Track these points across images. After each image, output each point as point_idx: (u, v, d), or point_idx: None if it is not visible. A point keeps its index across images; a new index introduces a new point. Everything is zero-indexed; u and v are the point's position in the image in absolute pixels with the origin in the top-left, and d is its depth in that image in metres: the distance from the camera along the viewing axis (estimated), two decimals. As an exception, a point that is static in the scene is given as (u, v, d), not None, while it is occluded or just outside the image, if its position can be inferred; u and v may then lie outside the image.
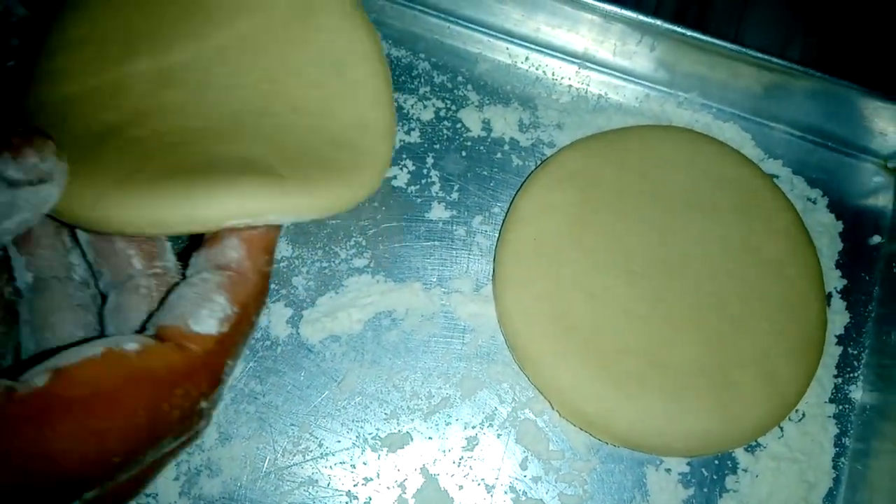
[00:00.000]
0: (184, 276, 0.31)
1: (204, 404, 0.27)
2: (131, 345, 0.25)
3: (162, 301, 0.29)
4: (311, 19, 0.40)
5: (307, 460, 0.42)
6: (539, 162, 0.50)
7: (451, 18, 0.53)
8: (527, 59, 0.53)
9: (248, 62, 0.38)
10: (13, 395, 0.23)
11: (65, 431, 0.23)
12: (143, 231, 0.30)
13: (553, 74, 0.53)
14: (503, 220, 0.47)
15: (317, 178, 0.34)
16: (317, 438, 0.42)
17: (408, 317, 0.46)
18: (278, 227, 0.32)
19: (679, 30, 0.49)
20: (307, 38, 0.39)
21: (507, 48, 0.53)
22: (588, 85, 0.52)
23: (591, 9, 0.49)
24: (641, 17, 0.49)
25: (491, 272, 0.47)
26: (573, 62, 0.53)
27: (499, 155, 0.50)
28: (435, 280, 0.47)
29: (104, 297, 0.33)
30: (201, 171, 0.31)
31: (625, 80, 0.53)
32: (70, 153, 0.31)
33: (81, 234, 0.33)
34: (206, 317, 0.27)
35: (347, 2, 0.41)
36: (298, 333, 0.45)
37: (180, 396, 0.26)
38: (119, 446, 0.24)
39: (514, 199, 0.48)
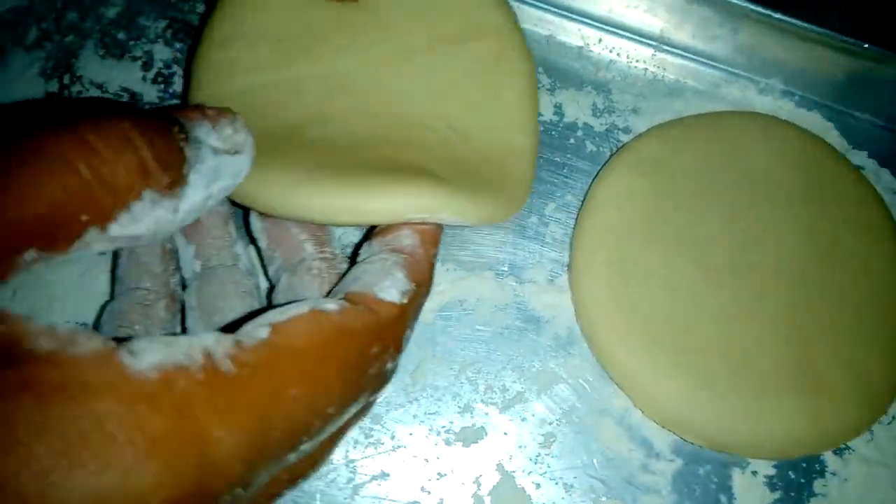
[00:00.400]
0: (352, 263, 0.33)
1: (390, 365, 0.30)
2: (331, 305, 0.27)
3: (340, 279, 0.32)
4: (475, 41, 0.43)
5: (379, 453, 0.40)
6: (614, 148, 0.48)
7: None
8: (600, 41, 0.51)
9: (413, 76, 0.41)
10: (242, 345, 0.24)
11: (293, 379, 0.24)
12: (334, 219, 0.33)
13: (628, 57, 0.50)
14: (579, 208, 0.45)
15: (478, 189, 0.37)
16: (389, 431, 0.41)
17: (479, 307, 0.44)
18: (441, 226, 0.35)
19: (766, 12, 0.47)
20: (470, 59, 0.42)
21: (580, 29, 0.51)
22: (664, 69, 0.50)
23: (672, -12, 0.47)
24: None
25: (565, 262, 0.45)
26: (649, 45, 0.50)
27: (571, 140, 0.48)
28: (507, 269, 0.45)
29: (271, 287, 0.35)
30: (386, 170, 0.34)
31: (703, 64, 0.50)
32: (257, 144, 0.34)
33: (255, 223, 0.36)
34: (390, 287, 0.29)
35: (510, 27, 0.43)
36: (367, 322, 0.43)
37: (375, 354, 0.28)
38: (333, 397, 0.26)
39: (590, 186, 0.46)
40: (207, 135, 0.28)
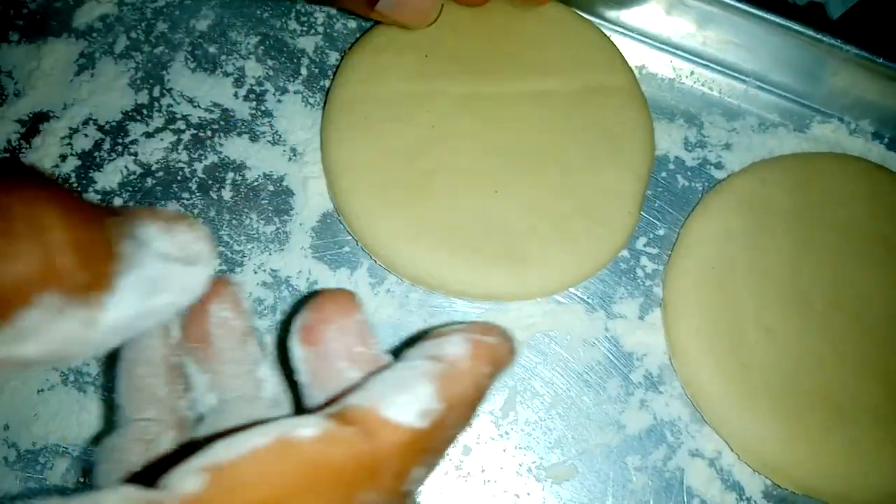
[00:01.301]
0: None
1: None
2: (307, 430, 0.20)
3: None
4: (600, 93, 0.46)
5: (469, 485, 0.40)
6: (706, 183, 0.47)
7: (613, 27, 0.51)
8: (692, 73, 0.50)
9: (538, 115, 0.46)
10: None
11: None
12: (463, 294, 0.44)
13: (720, 91, 0.50)
14: (673, 244, 0.45)
15: (566, 251, 0.43)
16: (479, 463, 0.41)
17: (570, 340, 0.43)
18: (511, 351, 0.27)
19: (863, 54, 0.46)
20: (592, 107, 0.46)
21: (671, 61, 0.50)
22: (757, 105, 0.50)
23: (770, 26, 0.47)
24: (828, 40, 0.46)
25: (657, 297, 0.44)
26: (742, 80, 0.50)
27: (663, 174, 0.48)
28: (597, 303, 0.44)
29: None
30: (513, 254, 0.43)
31: (797, 102, 0.50)
32: (380, 173, 0.43)
33: (296, 350, 0.26)
34: (405, 403, 0.22)
35: (633, 88, 0.47)
36: (458, 351, 0.43)
37: (368, 500, 0.20)
38: None
39: (685, 222, 0.45)
40: (155, 236, 0.23)
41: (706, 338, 0.41)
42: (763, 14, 0.46)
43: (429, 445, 0.22)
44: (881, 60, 0.46)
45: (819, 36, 0.46)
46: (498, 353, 0.26)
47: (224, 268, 0.44)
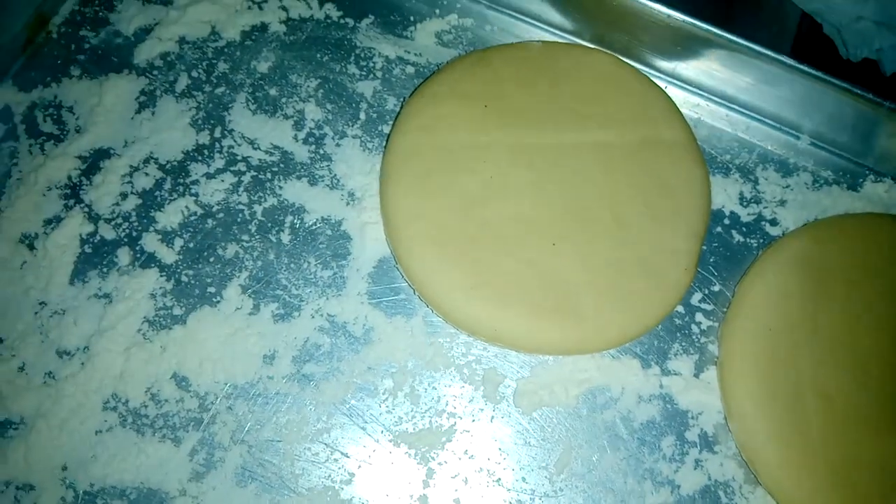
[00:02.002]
0: None
1: None
2: None
3: None
4: (657, 147, 0.46)
5: (526, 543, 0.40)
6: (761, 240, 0.47)
7: (669, 79, 0.51)
8: (747, 128, 0.50)
9: (593, 167, 0.46)
10: None
11: None
12: (511, 347, 0.44)
13: (775, 147, 0.50)
14: (729, 302, 0.45)
15: (622, 306, 0.43)
16: (534, 520, 0.41)
17: (624, 396, 0.44)
18: None
19: (921, 116, 0.46)
20: (649, 161, 0.46)
21: (727, 115, 0.51)
22: (812, 162, 0.50)
23: (825, 84, 0.47)
24: (883, 102, 0.46)
25: (713, 354, 0.45)
26: (797, 136, 0.50)
27: (718, 229, 0.48)
28: (652, 358, 0.44)
29: None
30: (565, 312, 0.43)
31: (853, 162, 0.50)
32: (438, 223, 0.44)
33: None
34: None
35: (688, 140, 0.47)
36: (514, 403, 0.43)
37: None
38: None
39: (741, 280, 0.45)
40: None
41: (763, 401, 0.41)
42: (818, 74, 0.47)
43: None
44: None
45: (873, 97, 0.46)
46: None
47: (282, 311, 0.45)
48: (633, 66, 0.49)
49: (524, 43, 0.50)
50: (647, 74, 0.51)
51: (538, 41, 0.50)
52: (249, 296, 0.45)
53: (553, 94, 0.48)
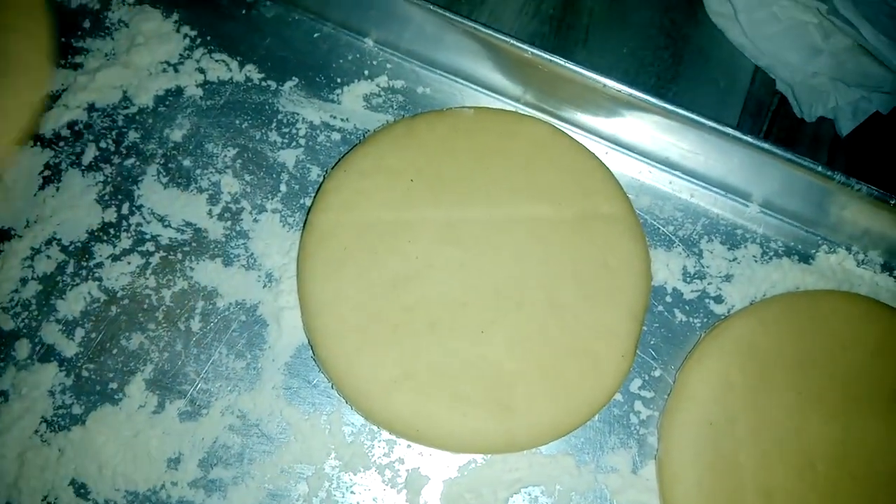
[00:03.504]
0: None
1: None
2: None
3: None
4: (594, 222, 0.44)
5: None
6: (705, 319, 0.45)
7: (608, 144, 0.48)
8: (692, 195, 0.48)
9: (527, 243, 0.43)
10: None
11: None
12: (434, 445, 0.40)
13: (722, 216, 0.47)
14: (670, 390, 0.42)
15: (555, 398, 0.40)
16: None
17: (559, 497, 0.41)
18: None
19: (880, 194, 0.43)
20: (586, 237, 0.43)
21: (670, 182, 0.48)
22: (762, 230, 0.47)
23: (775, 156, 0.44)
24: (837, 177, 0.43)
25: (652, 448, 0.42)
26: (745, 205, 0.47)
27: (660, 307, 0.45)
28: (588, 453, 0.42)
29: None
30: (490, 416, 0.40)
31: (804, 230, 0.47)
32: (358, 310, 0.41)
33: None
34: None
35: (627, 214, 0.44)
36: (438, 508, 0.40)
37: None
38: None
39: (682, 367, 0.43)
40: None
41: (703, 501, 0.39)
42: (764, 145, 0.44)
43: None
44: (893, 200, 0.43)
45: (823, 170, 0.43)
46: None
47: (189, 409, 0.41)
48: (569, 135, 0.46)
49: (454, 110, 0.47)
50: (587, 139, 0.48)
51: (469, 108, 0.47)
52: (154, 392, 0.42)
53: (484, 165, 0.45)
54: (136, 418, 0.41)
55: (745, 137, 0.44)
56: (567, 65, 0.44)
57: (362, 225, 0.43)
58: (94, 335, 0.43)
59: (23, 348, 0.42)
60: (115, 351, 0.42)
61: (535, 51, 0.44)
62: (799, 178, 0.45)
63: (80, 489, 0.40)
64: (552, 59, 0.44)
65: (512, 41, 0.45)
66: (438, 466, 0.41)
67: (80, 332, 0.43)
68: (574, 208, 0.44)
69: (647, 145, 0.47)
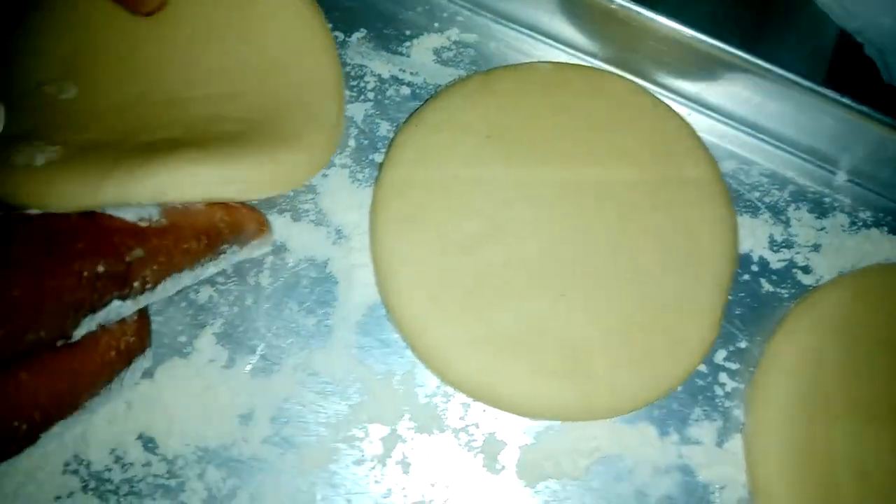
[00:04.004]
0: None
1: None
2: None
3: None
4: (679, 186, 0.42)
5: None
6: (793, 290, 0.43)
7: (693, 105, 0.46)
8: (779, 162, 0.46)
9: (607, 206, 0.41)
10: None
11: None
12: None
13: (810, 184, 0.45)
14: (757, 362, 0.41)
15: (637, 367, 0.38)
16: None
17: (639, 468, 0.39)
18: (258, 226, 0.40)
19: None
20: (670, 201, 0.42)
21: (757, 146, 0.46)
22: (854, 203, 0.45)
23: (868, 119, 0.42)
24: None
25: (738, 422, 0.40)
26: (833, 172, 0.45)
27: (745, 276, 0.43)
28: (671, 424, 0.40)
29: None
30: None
31: (894, 201, 0.45)
32: (433, 269, 0.40)
33: None
34: (129, 211, 0.35)
35: (713, 178, 0.42)
36: (516, 474, 0.39)
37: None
38: None
39: (770, 339, 0.41)
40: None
41: (793, 479, 0.37)
42: (856, 106, 0.42)
43: (149, 244, 0.34)
44: None
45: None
46: (239, 214, 0.39)
47: (261, 365, 0.40)
48: (651, 94, 0.44)
49: (531, 64, 0.45)
50: (669, 100, 0.46)
51: (547, 62, 0.45)
52: (224, 346, 0.40)
53: (562, 123, 0.43)
54: (206, 372, 0.40)
55: (837, 97, 0.42)
56: (652, 16, 0.42)
57: (436, 181, 0.41)
58: (161, 287, 0.42)
59: (89, 299, 0.41)
60: (183, 304, 0.41)
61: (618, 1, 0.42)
62: (891, 144, 0.42)
63: (149, 443, 0.39)
64: (636, 9, 0.42)
65: None
66: (515, 432, 0.40)
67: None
68: (657, 171, 0.42)
69: (734, 106, 0.45)
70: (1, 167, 0.37)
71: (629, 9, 0.42)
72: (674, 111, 0.44)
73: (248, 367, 0.40)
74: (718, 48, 0.42)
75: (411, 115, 0.44)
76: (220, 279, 0.42)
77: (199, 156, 0.37)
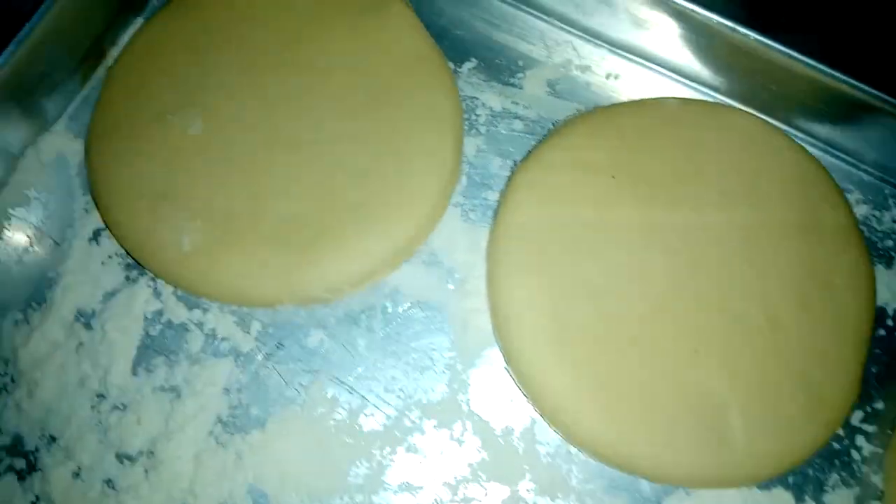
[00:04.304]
0: None
1: None
2: None
3: None
4: (814, 233, 0.39)
5: None
6: (933, 349, 0.40)
7: (824, 146, 0.44)
8: (914, 208, 0.43)
9: (740, 253, 0.39)
10: None
11: None
12: None
13: (949, 234, 0.42)
14: (894, 428, 0.38)
15: (775, 431, 0.36)
16: None
17: (773, 536, 0.37)
18: None
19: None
20: (805, 249, 0.39)
21: (891, 193, 0.43)
22: None
23: None
24: None
25: (876, 489, 0.38)
26: None
27: (881, 332, 0.41)
28: (807, 490, 0.38)
29: None
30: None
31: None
32: (557, 317, 0.37)
33: None
34: None
35: (851, 226, 0.40)
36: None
37: None
38: None
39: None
40: None
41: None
42: None
43: None
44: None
45: None
46: None
47: (373, 414, 0.38)
48: (785, 134, 0.42)
49: (656, 100, 0.43)
50: (798, 137, 0.43)
51: (674, 98, 0.43)
52: (337, 394, 0.39)
53: (691, 162, 0.41)
54: (319, 423, 0.38)
55: None
56: (791, 54, 0.40)
57: (559, 225, 0.39)
58: (270, 329, 0.40)
59: (195, 340, 0.40)
60: (294, 348, 0.40)
61: (752, 35, 0.40)
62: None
63: (260, 498, 0.37)
64: (774, 45, 0.40)
65: (720, 20, 0.40)
66: (644, 499, 0.38)
67: (255, 325, 0.40)
68: (793, 216, 0.40)
69: (867, 149, 0.43)
70: (149, 245, 0.38)
71: (767, 45, 0.40)
72: (809, 154, 0.41)
73: (362, 418, 0.38)
74: (860, 89, 0.39)
75: (529, 152, 0.42)
76: (332, 321, 0.40)
77: (353, 253, 0.38)
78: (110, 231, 0.40)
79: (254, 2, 0.43)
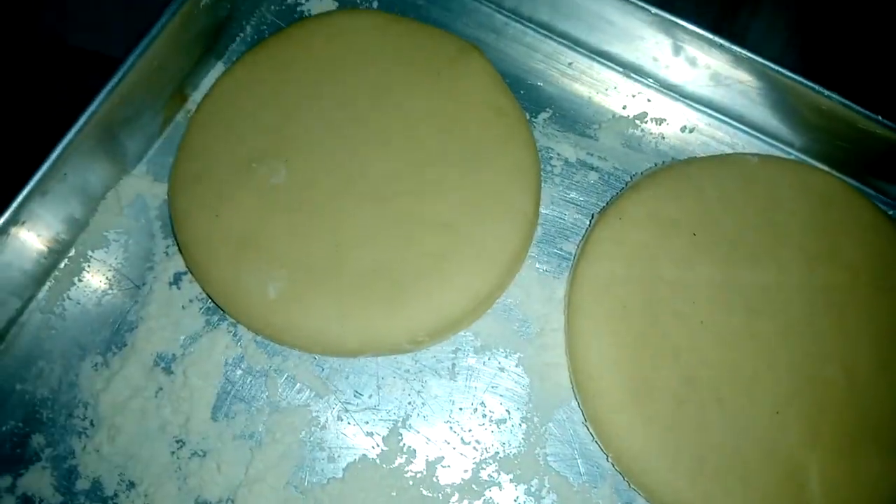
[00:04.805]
0: None
1: None
2: None
3: None
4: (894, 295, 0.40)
5: None
6: None
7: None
8: None
9: (822, 314, 0.39)
10: None
11: None
12: None
13: None
14: None
15: (855, 497, 0.35)
16: None
17: None
18: None
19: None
20: (886, 311, 0.39)
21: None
22: None
23: None
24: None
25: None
26: None
27: (963, 396, 0.40)
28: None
29: None
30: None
31: None
32: (637, 377, 0.37)
33: None
34: None
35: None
36: None
37: None
38: None
39: None
40: None
41: None
42: None
43: None
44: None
45: None
46: None
47: (449, 466, 0.38)
48: (863, 195, 0.42)
49: (735, 156, 0.43)
50: (872, 199, 0.43)
51: (753, 154, 0.43)
52: (414, 446, 0.39)
53: (772, 221, 0.41)
54: (397, 475, 0.38)
55: None
56: (870, 115, 0.40)
57: (640, 281, 0.39)
58: (349, 378, 0.40)
59: (275, 388, 0.40)
60: (372, 397, 0.40)
61: (834, 96, 0.40)
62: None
63: (339, 549, 0.37)
64: (850, 104, 0.40)
65: (801, 80, 0.40)
66: (725, 559, 0.37)
67: (334, 374, 0.40)
68: (874, 277, 0.40)
69: None
70: (234, 292, 0.38)
71: (847, 105, 0.40)
72: (887, 214, 0.41)
73: (439, 469, 0.38)
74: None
75: (606, 205, 0.42)
76: (408, 365, 0.40)
77: (435, 305, 0.38)
78: (194, 276, 0.40)
79: (336, 50, 0.43)
